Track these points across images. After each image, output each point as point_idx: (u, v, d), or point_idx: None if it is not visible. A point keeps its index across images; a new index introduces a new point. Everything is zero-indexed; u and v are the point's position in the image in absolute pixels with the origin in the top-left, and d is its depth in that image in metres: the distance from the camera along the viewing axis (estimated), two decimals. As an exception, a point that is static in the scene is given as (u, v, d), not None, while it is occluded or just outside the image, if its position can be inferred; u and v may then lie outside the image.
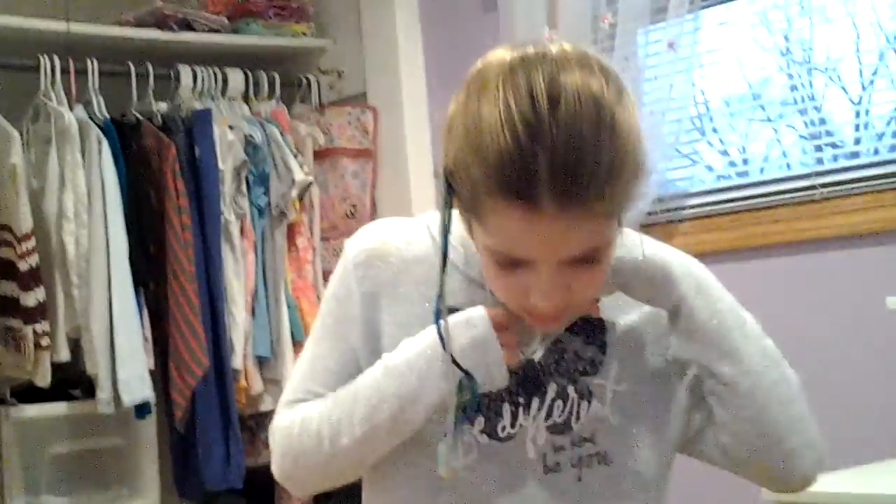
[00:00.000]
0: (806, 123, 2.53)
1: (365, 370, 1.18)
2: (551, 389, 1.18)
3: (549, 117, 0.98)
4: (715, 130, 2.75)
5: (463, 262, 1.19)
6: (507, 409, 1.18)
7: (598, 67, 1.04)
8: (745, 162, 2.68)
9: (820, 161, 2.45)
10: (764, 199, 2.46)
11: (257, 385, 2.75)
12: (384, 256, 1.20)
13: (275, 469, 1.25)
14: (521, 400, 1.18)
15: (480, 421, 1.17)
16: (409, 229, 1.23)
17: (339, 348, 1.21)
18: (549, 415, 1.18)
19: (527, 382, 1.18)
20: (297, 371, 1.25)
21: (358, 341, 1.20)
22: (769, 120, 2.64)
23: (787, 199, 2.42)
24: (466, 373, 1.11)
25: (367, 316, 1.19)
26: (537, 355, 1.19)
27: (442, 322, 1.12)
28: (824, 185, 2.35)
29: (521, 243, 1.03)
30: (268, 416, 2.80)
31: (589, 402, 1.19)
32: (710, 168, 2.72)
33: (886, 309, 2.00)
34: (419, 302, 1.18)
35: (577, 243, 1.03)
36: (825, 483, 1.57)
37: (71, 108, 2.62)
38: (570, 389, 1.19)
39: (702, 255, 2.57)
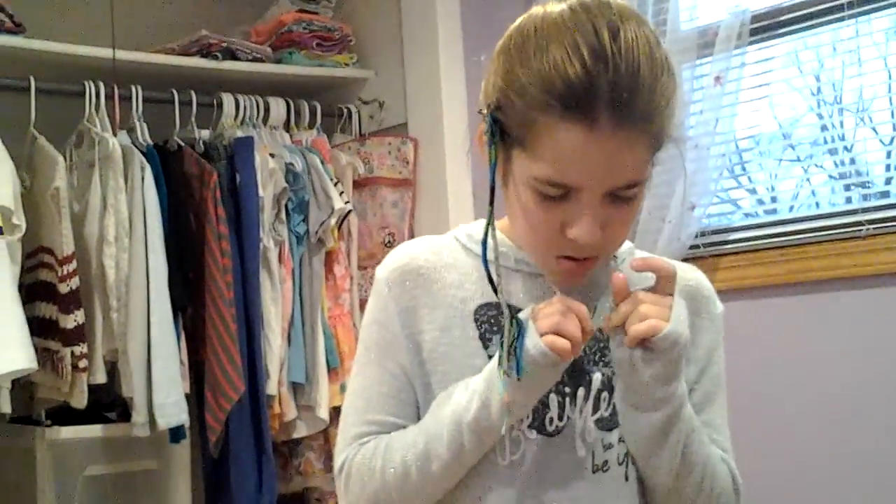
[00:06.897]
0: (836, 164, 2.49)
1: (416, 385, 1.20)
2: (596, 380, 1.18)
3: (611, 46, 1.07)
4: (744, 169, 2.71)
5: (514, 259, 1.21)
6: (554, 399, 1.17)
7: (650, 27, 1.14)
8: (774, 200, 2.64)
9: (849, 200, 2.42)
10: (808, 236, 2.42)
11: (291, 411, 2.73)
12: (414, 270, 1.23)
13: None
14: (567, 390, 1.18)
15: (528, 415, 1.17)
16: (436, 242, 1.27)
17: (390, 371, 1.22)
18: (595, 408, 1.18)
19: (572, 371, 1.18)
20: (351, 407, 1.24)
21: (405, 358, 1.21)
22: (799, 160, 2.60)
23: (832, 235, 2.38)
24: (513, 314, 1.11)
25: (407, 331, 1.21)
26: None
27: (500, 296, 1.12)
28: (871, 222, 2.32)
29: (574, 164, 1.07)
30: (300, 442, 2.79)
31: None
32: (738, 206, 2.68)
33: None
34: (456, 304, 1.20)
35: (624, 171, 1.09)
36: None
37: (115, 134, 2.63)
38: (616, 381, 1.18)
39: (745, 290, 2.53)
